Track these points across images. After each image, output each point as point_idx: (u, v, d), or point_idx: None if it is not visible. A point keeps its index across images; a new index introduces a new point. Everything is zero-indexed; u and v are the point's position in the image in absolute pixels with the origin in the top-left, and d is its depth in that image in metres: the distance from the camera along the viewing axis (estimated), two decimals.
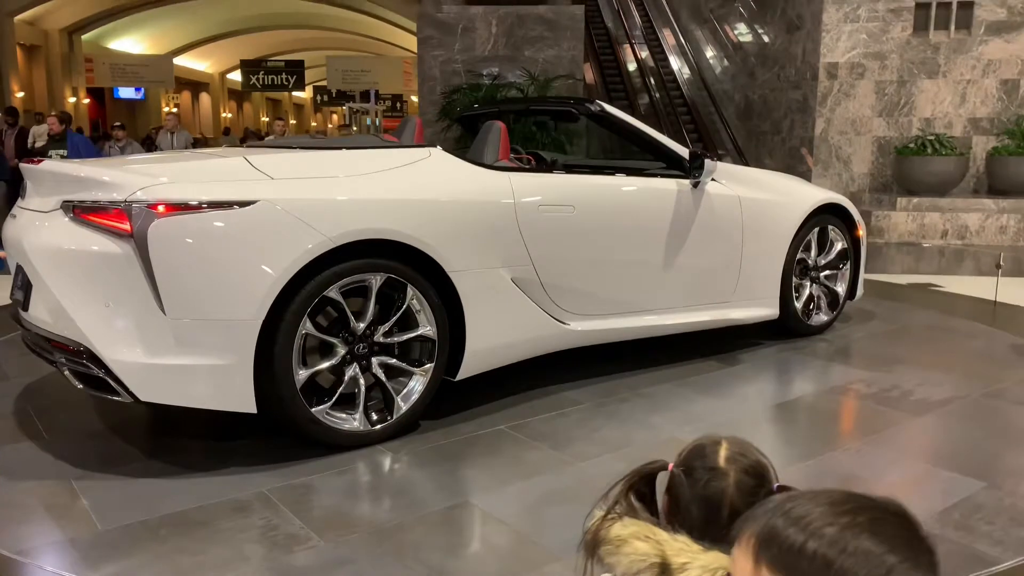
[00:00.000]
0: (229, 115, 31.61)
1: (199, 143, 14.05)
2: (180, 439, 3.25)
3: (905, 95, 8.95)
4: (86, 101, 21.04)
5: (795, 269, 4.47)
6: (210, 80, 29.97)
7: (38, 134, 8.32)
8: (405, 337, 3.15)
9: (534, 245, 3.44)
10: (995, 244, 7.69)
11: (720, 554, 1.03)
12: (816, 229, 4.54)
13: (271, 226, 2.80)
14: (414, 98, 18.60)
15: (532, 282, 3.48)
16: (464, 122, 5.44)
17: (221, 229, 2.75)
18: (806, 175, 9.25)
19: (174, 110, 20.46)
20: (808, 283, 4.61)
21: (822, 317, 4.70)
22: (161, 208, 2.67)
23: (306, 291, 2.85)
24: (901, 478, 2.82)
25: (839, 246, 4.67)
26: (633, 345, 4.12)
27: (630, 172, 4.12)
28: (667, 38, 14.12)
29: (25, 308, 2.99)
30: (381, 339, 3.10)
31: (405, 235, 3.04)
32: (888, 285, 6.30)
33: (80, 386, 2.85)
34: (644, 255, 3.89)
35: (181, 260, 2.71)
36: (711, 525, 1.10)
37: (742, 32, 11.53)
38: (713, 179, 4.12)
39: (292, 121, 39.21)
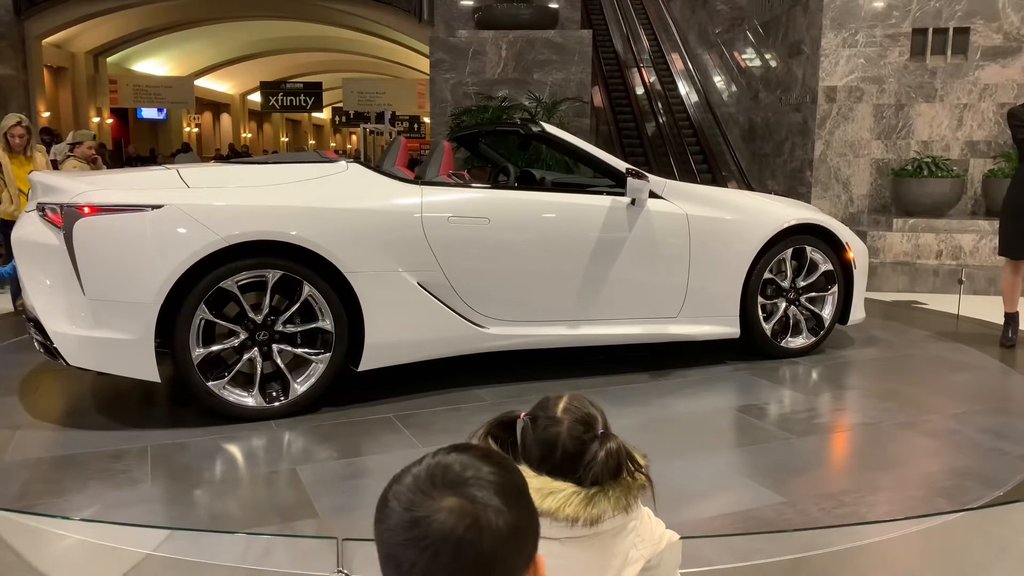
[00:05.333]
0: (249, 135, 32.20)
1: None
2: (134, 402, 3.87)
3: (903, 118, 9.14)
4: (110, 121, 21.58)
5: (765, 290, 4.48)
6: (231, 101, 30.58)
7: (58, 151, 8.67)
8: (304, 328, 3.57)
9: (443, 253, 3.76)
10: (988, 265, 7.83)
11: (548, 479, 1.34)
12: (790, 250, 4.51)
13: (174, 226, 3.30)
14: (427, 119, 18.96)
15: (443, 286, 3.78)
16: (463, 142, 5.73)
17: (132, 227, 3.29)
18: (806, 196, 9.43)
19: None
20: (783, 304, 4.58)
21: (799, 340, 4.64)
22: (86, 210, 3.26)
23: (203, 283, 3.33)
24: (709, 486, 2.92)
25: (823, 268, 4.61)
26: (580, 354, 4.34)
27: (583, 189, 4.33)
28: (675, 62, 14.40)
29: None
30: (281, 328, 3.54)
31: (297, 237, 3.45)
32: (874, 303, 6.48)
33: (41, 351, 3.49)
34: (568, 267, 4.05)
35: (98, 251, 3.27)
36: (546, 461, 1.38)
37: (747, 56, 11.78)
38: (660, 197, 4.22)
39: (312, 141, 39.85)
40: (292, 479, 2.93)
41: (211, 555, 2.39)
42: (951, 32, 8.93)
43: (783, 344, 4.63)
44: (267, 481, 2.98)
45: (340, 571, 2.15)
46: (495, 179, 5.01)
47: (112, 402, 3.90)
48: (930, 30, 8.96)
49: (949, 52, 8.98)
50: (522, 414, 1.46)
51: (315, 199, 3.57)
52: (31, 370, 4.38)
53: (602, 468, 1.37)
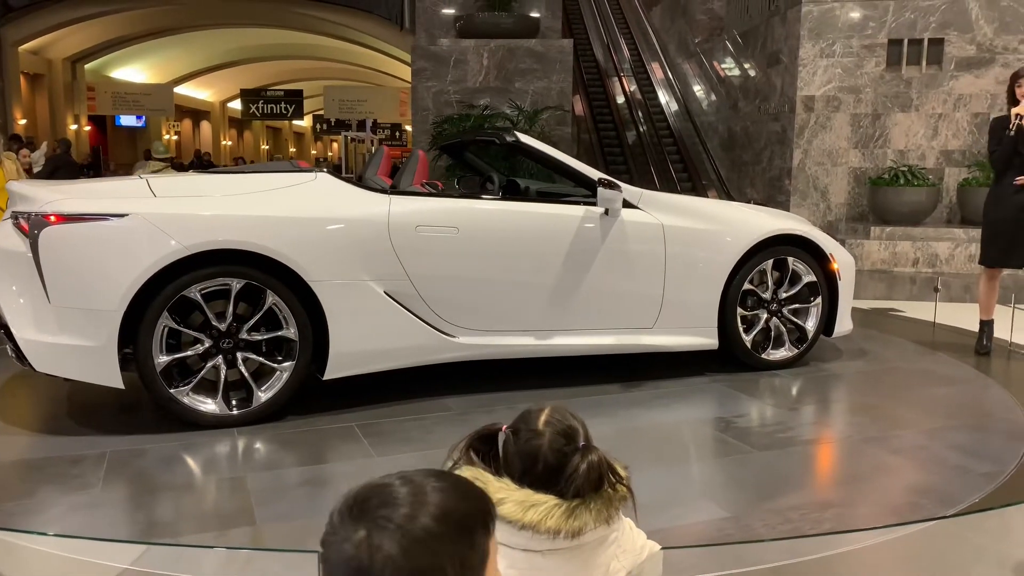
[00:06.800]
0: (229, 143, 32.02)
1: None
2: (105, 408, 3.89)
3: (879, 128, 9.25)
4: (87, 128, 21.38)
5: (745, 301, 4.44)
6: (211, 109, 30.40)
7: (35, 160, 8.59)
8: (268, 336, 3.57)
9: (411, 262, 3.75)
10: (964, 272, 7.93)
11: (530, 492, 1.34)
12: (771, 261, 4.47)
13: (137, 235, 3.33)
14: (408, 127, 18.95)
15: (411, 296, 3.78)
16: (448, 151, 5.73)
17: (96, 235, 3.32)
18: (785, 204, 9.52)
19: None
20: (764, 315, 4.53)
21: (781, 352, 4.58)
22: (53, 218, 3.29)
23: (166, 291, 3.36)
24: (655, 499, 2.76)
25: (806, 279, 4.56)
26: (551, 364, 4.33)
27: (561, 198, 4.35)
28: (655, 71, 14.50)
29: None
30: (245, 336, 3.55)
31: (259, 246, 3.46)
32: (853, 311, 6.52)
33: (13, 356, 3.48)
34: (538, 277, 4.03)
35: (63, 259, 3.30)
36: (528, 473, 1.39)
37: (726, 65, 11.88)
38: (636, 207, 4.20)
39: (292, 149, 39.68)
40: (239, 487, 2.94)
41: (189, 569, 2.36)
42: (926, 43, 9.06)
43: (764, 356, 4.57)
44: (214, 488, 2.99)
45: None
46: (482, 188, 5.02)
47: (84, 408, 3.91)
48: (905, 41, 9.08)
49: (924, 63, 9.11)
50: (504, 426, 1.46)
51: (280, 208, 3.58)
52: (10, 376, 4.39)
53: (584, 480, 1.37)
